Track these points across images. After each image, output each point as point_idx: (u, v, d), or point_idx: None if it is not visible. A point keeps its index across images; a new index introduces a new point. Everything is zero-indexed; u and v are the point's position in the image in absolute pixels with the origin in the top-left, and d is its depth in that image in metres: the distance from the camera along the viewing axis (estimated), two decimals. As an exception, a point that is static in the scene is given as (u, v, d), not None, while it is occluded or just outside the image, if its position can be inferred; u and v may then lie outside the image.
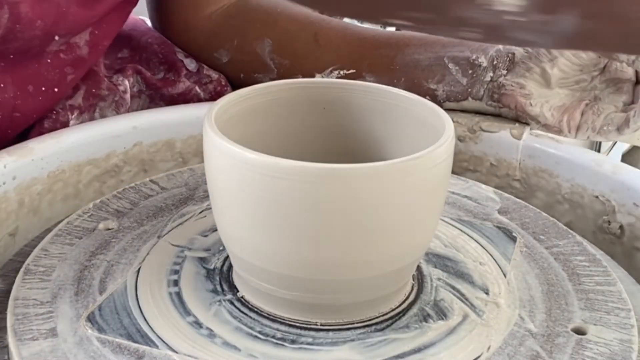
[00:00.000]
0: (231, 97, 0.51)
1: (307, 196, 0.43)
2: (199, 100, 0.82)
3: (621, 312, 0.49)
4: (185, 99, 0.82)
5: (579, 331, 0.47)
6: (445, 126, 0.48)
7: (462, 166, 0.72)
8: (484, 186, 0.64)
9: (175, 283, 0.50)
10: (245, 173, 0.44)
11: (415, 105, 0.52)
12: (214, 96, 0.82)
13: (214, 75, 0.83)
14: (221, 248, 0.54)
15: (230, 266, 0.52)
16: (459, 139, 0.71)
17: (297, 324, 0.47)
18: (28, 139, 0.66)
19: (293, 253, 0.45)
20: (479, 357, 0.45)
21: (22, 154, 0.63)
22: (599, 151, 1.37)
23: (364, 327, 0.48)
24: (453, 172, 0.51)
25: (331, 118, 0.55)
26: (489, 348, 0.46)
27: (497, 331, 0.47)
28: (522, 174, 0.70)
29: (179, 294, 0.49)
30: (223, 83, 0.83)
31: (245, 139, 0.48)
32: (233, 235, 0.47)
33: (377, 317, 0.48)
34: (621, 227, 0.63)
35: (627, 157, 1.59)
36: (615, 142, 1.44)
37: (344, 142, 0.56)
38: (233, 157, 0.44)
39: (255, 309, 0.48)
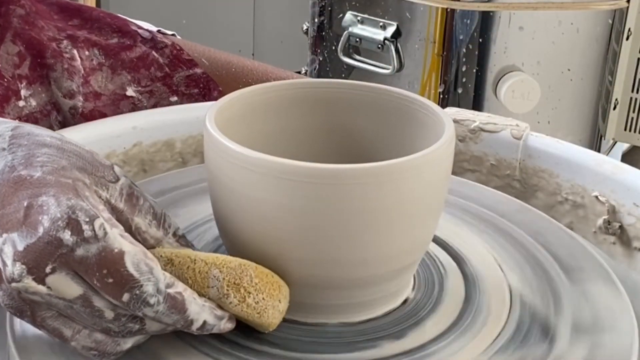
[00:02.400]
0: (231, 97, 0.51)
1: (308, 196, 0.43)
2: (159, 65, 0.82)
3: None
4: (145, 63, 0.82)
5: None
6: (445, 126, 0.48)
7: (462, 166, 0.71)
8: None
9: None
10: (245, 173, 0.44)
11: (416, 105, 0.52)
12: (172, 60, 0.83)
13: (168, 40, 0.84)
14: None
15: None
16: (459, 139, 0.71)
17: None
18: None
19: (294, 253, 0.45)
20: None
21: (22, 154, 0.63)
22: (599, 151, 1.37)
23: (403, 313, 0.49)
24: (453, 172, 0.51)
25: (331, 118, 0.55)
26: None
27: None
28: (522, 174, 0.70)
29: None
30: (178, 48, 0.84)
31: (245, 138, 0.48)
32: (233, 235, 0.47)
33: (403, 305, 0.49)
34: (621, 227, 0.63)
35: (627, 157, 1.58)
36: (615, 142, 1.44)
37: (344, 142, 0.56)
38: (233, 157, 0.44)
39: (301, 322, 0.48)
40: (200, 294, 0.43)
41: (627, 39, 1.32)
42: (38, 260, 0.39)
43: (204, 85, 0.84)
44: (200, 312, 0.42)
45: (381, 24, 1.39)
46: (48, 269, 0.39)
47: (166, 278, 0.41)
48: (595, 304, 0.50)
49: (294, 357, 0.45)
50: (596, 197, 0.64)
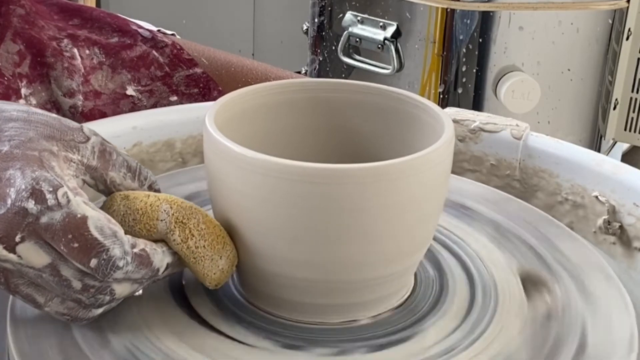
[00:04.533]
0: (232, 97, 0.51)
1: (307, 196, 0.43)
2: (159, 64, 0.82)
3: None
4: (145, 62, 0.82)
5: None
6: (445, 126, 0.48)
7: (462, 166, 0.71)
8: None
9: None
10: (245, 173, 0.44)
11: (416, 105, 0.52)
12: (172, 59, 0.83)
13: (168, 40, 0.84)
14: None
15: None
16: (459, 139, 0.71)
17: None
18: None
19: (294, 253, 0.45)
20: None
21: (22, 154, 0.63)
22: (599, 151, 1.37)
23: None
24: (453, 172, 0.51)
25: (331, 118, 0.55)
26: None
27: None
28: (522, 174, 0.70)
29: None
30: (178, 47, 0.84)
31: (245, 139, 0.48)
32: (233, 235, 0.47)
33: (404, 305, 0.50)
34: (621, 227, 0.63)
35: (627, 157, 1.58)
36: (615, 142, 1.44)
37: (344, 142, 0.56)
38: (233, 157, 0.44)
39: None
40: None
41: (627, 39, 1.32)
42: (8, 229, 0.41)
43: (204, 85, 0.84)
44: (163, 258, 0.45)
45: (381, 24, 1.39)
46: (17, 238, 0.41)
47: (129, 239, 0.43)
48: (595, 297, 0.50)
49: (292, 357, 0.45)
50: (596, 197, 0.64)
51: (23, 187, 0.41)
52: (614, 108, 1.36)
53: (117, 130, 0.70)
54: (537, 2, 1.30)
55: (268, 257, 0.46)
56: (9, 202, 0.41)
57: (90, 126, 0.69)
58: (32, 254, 0.42)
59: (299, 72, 1.47)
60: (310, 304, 0.47)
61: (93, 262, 0.42)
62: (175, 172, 0.68)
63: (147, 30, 0.85)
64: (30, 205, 0.41)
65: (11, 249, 0.41)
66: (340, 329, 0.47)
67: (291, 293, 0.47)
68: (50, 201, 0.41)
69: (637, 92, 1.34)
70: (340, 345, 0.46)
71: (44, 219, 0.41)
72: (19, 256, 0.42)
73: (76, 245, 0.41)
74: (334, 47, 1.47)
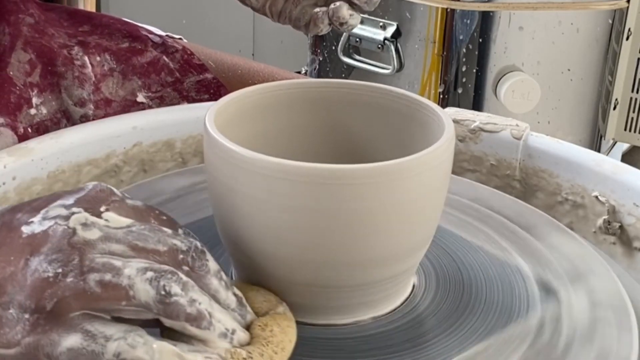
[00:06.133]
0: (231, 97, 0.51)
1: (307, 196, 0.43)
2: (169, 70, 0.82)
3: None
4: (155, 68, 0.82)
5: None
6: (445, 126, 0.48)
7: (462, 166, 0.71)
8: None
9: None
10: (245, 173, 0.44)
11: (416, 105, 0.52)
12: (182, 65, 0.83)
13: (179, 45, 0.84)
14: None
15: None
16: (459, 139, 0.71)
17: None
18: None
19: (294, 253, 0.45)
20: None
21: (22, 154, 0.63)
22: (599, 151, 1.37)
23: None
24: (453, 172, 0.51)
25: (331, 118, 0.55)
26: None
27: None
28: (522, 174, 0.70)
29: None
30: (189, 52, 0.84)
31: (245, 138, 0.48)
32: (233, 235, 0.47)
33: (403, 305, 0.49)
34: (621, 227, 0.63)
35: (627, 157, 1.58)
36: (615, 142, 1.44)
37: (343, 142, 0.56)
38: (232, 157, 0.44)
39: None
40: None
41: (627, 39, 1.32)
42: None
43: (215, 91, 0.83)
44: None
45: (381, 24, 1.39)
46: None
47: None
48: (595, 296, 0.50)
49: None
50: (596, 197, 0.64)
51: None
52: (614, 108, 1.36)
53: (117, 130, 0.70)
54: (537, 2, 1.30)
55: (268, 257, 0.46)
56: None
57: (91, 126, 0.70)
58: None
59: (299, 72, 1.47)
60: (311, 305, 0.47)
61: None
62: (175, 172, 0.68)
63: (157, 35, 0.84)
64: None
65: None
66: (342, 329, 0.47)
67: (292, 294, 0.47)
68: None
69: (637, 92, 1.34)
70: (342, 346, 0.46)
71: None
72: None
73: None
74: (334, 47, 1.47)
